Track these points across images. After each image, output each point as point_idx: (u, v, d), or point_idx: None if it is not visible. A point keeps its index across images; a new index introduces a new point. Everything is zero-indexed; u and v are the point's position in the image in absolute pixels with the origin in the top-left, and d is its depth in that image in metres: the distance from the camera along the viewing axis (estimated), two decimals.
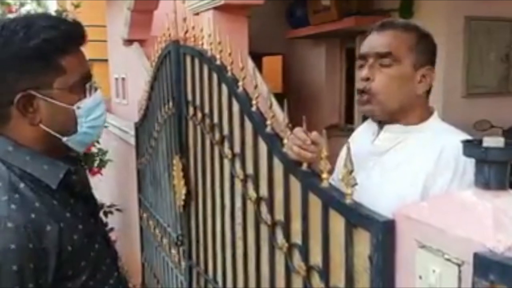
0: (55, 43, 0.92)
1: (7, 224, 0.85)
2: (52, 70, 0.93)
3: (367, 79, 1.12)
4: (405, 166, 1.10)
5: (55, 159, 0.99)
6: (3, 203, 0.87)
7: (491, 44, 3.56)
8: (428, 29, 1.18)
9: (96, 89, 1.01)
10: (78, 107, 0.97)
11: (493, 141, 0.71)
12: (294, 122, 1.10)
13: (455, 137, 1.01)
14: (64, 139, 0.98)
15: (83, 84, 0.98)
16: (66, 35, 0.94)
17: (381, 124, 1.18)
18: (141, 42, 4.60)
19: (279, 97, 3.89)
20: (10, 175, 0.91)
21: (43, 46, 0.91)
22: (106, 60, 6.06)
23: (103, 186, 4.26)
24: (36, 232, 0.87)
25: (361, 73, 1.14)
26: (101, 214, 3.71)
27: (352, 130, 4.07)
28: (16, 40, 0.89)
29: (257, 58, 4.55)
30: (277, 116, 1.28)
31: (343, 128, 4.77)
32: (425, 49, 1.12)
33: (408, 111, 1.14)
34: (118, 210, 3.71)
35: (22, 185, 0.91)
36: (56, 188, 0.95)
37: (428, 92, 1.17)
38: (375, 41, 1.13)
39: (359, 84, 1.14)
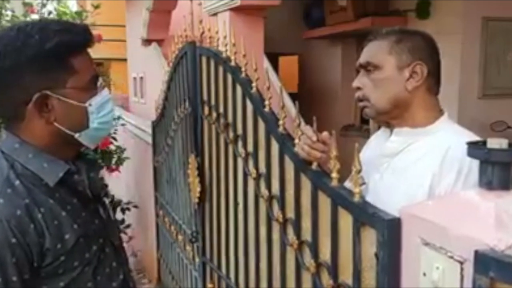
0: (69, 45, 0.97)
1: None
2: (65, 71, 0.98)
3: (358, 88, 1.22)
4: (414, 167, 1.13)
5: (67, 158, 1.01)
6: None
7: (508, 45, 3.51)
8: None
9: (103, 87, 1.06)
10: (90, 104, 1.01)
11: (497, 143, 0.73)
12: (310, 121, 1.13)
13: (461, 138, 1.03)
14: (76, 135, 1.01)
15: (93, 82, 1.03)
16: (78, 38, 0.99)
17: (391, 127, 1.22)
18: (160, 42, 4.65)
19: (295, 97, 3.91)
20: (9, 172, 0.94)
21: (58, 48, 0.95)
22: (125, 60, 6.15)
23: (121, 183, 4.33)
24: (19, 227, 0.89)
25: (352, 84, 1.24)
26: (118, 211, 3.70)
27: (367, 131, 4.05)
28: (32, 43, 0.93)
29: (273, 58, 4.57)
30: (292, 116, 1.31)
31: (358, 128, 4.75)
32: (406, 49, 1.17)
33: (405, 108, 1.17)
34: (135, 207, 3.76)
35: (17, 182, 0.94)
36: (55, 187, 0.97)
37: (436, 93, 1.19)
38: (361, 55, 1.25)
39: (355, 94, 1.24)
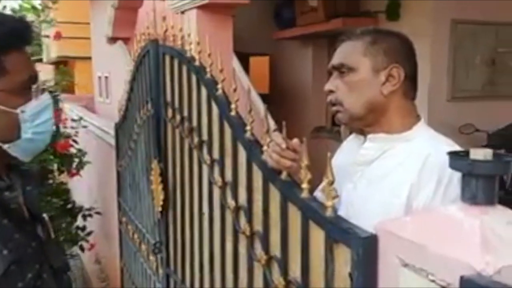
0: None
1: None
2: None
3: (330, 91, 1.14)
4: (391, 176, 1.05)
5: None
6: None
7: (477, 47, 3.55)
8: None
9: (42, 91, 0.93)
10: (23, 111, 0.88)
11: (481, 154, 0.66)
12: (280, 123, 1.05)
13: (441, 146, 0.97)
14: (5, 146, 0.88)
15: (28, 86, 0.90)
16: (10, 33, 0.86)
17: (365, 133, 1.15)
18: (125, 40, 4.52)
19: (266, 98, 3.84)
20: None
21: None
22: (90, 58, 5.96)
23: (83, 187, 4.16)
24: None
25: (324, 87, 1.16)
26: (79, 218, 3.49)
27: (338, 133, 3.99)
28: None
29: (244, 58, 4.49)
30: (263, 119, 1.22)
31: (329, 130, 4.73)
32: (382, 50, 1.10)
33: (380, 114, 1.10)
34: (97, 213, 3.60)
35: None
36: None
37: (413, 98, 1.13)
38: (334, 56, 1.17)
39: (327, 97, 1.16)
